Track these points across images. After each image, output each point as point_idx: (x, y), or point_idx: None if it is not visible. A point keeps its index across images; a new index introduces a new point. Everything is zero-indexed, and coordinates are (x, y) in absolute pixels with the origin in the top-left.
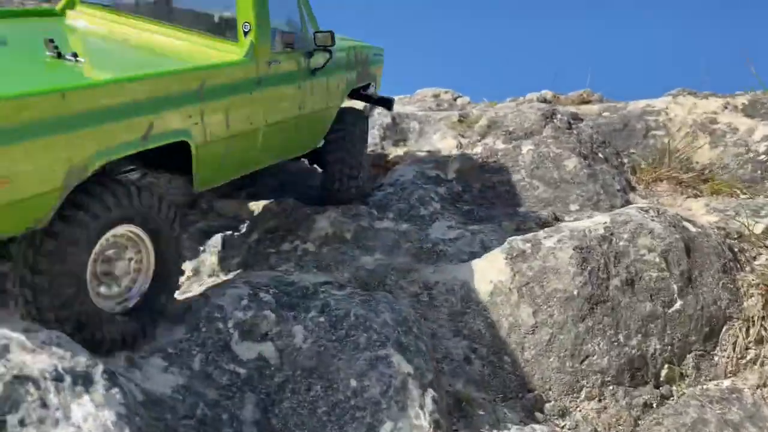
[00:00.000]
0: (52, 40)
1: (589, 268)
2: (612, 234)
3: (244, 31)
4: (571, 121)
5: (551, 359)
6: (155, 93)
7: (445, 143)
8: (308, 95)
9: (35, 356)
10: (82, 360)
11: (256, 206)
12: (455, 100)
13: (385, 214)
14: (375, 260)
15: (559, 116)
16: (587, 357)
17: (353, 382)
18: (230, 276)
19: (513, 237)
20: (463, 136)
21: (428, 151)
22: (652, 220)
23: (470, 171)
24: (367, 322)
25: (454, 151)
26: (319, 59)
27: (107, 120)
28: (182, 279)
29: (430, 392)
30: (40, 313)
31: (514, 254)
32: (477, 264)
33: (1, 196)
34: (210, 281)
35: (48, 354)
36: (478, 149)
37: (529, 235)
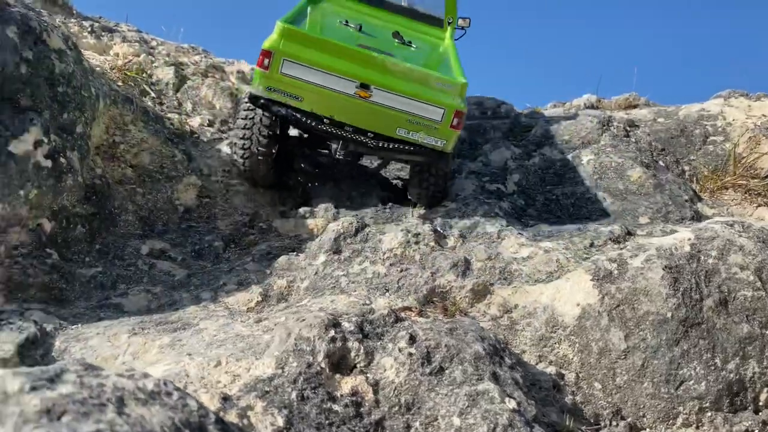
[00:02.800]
0: (397, 33)
1: (681, 289)
2: (699, 251)
3: (448, 22)
4: (628, 129)
5: (645, 385)
6: None
7: (499, 154)
8: None
9: None
10: None
11: (315, 224)
12: (499, 107)
13: (450, 231)
14: (448, 281)
15: (615, 123)
16: (683, 382)
17: (456, 420)
18: (304, 302)
19: (596, 257)
20: (517, 146)
21: (482, 163)
22: (740, 235)
23: (531, 183)
24: (460, 354)
25: (510, 163)
26: None
27: None
28: (251, 303)
29: (537, 428)
30: None
31: (601, 275)
32: (560, 285)
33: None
34: (281, 307)
35: None
36: (536, 160)
37: (614, 254)
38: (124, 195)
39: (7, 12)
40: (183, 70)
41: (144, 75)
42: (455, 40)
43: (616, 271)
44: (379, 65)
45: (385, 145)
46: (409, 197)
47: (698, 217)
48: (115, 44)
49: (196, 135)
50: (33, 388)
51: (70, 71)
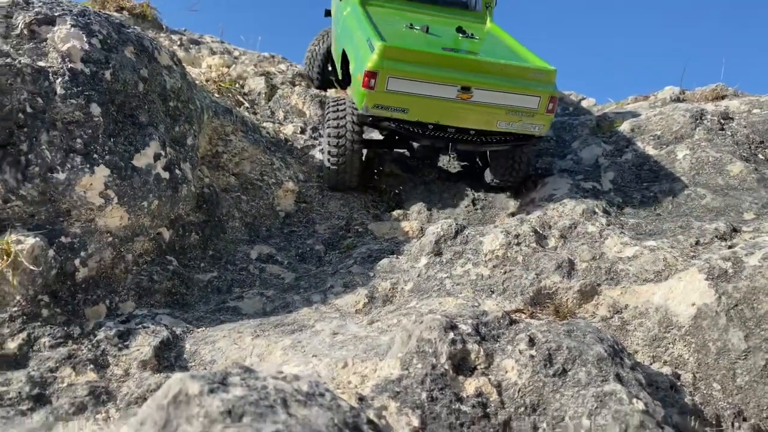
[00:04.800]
0: (460, 28)
1: None
2: None
3: (487, 6)
4: (722, 121)
5: None
6: None
7: (589, 152)
8: None
9: None
10: None
11: (409, 227)
12: (580, 102)
13: (550, 231)
14: (553, 283)
15: (708, 117)
16: None
17: (586, 422)
18: (411, 303)
19: (708, 255)
20: (606, 143)
21: (573, 161)
22: None
23: (627, 181)
24: (582, 356)
25: (602, 160)
26: None
27: None
28: (359, 305)
29: (668, 429)
30: None
31: (716, 274)
32: (672, 285)
33: None
34: (390, 309)
35: None
36: (628, 156)
37: (727, 252)
38: (230, 202)
39: (124, 33)
40: (272, 79)
41: (237, 86)
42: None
43: (731, 270)
44: (474, 66)
45: (487, 139)
46: (488, 180)
47: None
48: (203, 56)
49: (290, 142)
50: (211, 391)
51: (179, 86)
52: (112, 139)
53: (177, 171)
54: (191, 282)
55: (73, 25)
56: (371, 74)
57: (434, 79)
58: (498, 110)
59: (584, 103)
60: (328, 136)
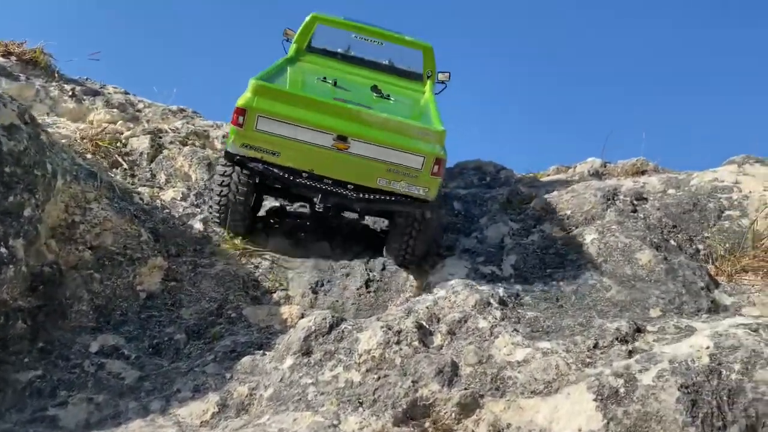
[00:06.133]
0: (376, 87)
1: (700, 414)
2: (720, 364)
3: (427, 75)
4: (635, 202)
5: None
6: None
7: (496, 230)
8: None
9: None
10: None
11: (289, 313)
12: (498, 173)
13: (437, 326)
14: (432, 392)
15: (621, 197)
16: None
17: None
18: (264, 419)
19: (600, 369)
20: (514, 221)
21: (477, 239)
22: (766, 345)
23: (529, 266)
24: None
25: (507, 240)
26: None
27: None
28: (206, 416)
29: None
30: None
31: (606, 394)
32: (559, 403)
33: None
34: (238, 425)
35: None
36: (534, 237)
37: (620, 367)
38: (79, 282)
39: None
40: (161, 138)
41: (118, 144)
42: (436, 94)
43: (623, 390)
44: (355, 117)
45: (367, 197)
46: (384, 255)
47: (716, 307)
48: (97, 108)
49: (167, 210)
50: None
51: (21, 149)
52: None
53: (2, 249)
54: (6, 383)
55: None
56: (240, 111)
57: (307, 124)
58: (377, 165)
59: (502, 174)
60: (215, 183)
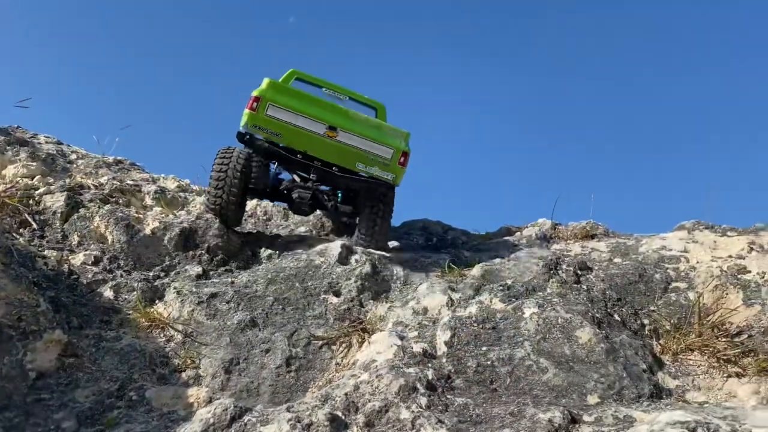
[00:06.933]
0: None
1: None
2: None
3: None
4: (579, 273)
5: None
6: None
7: (433, 299)
8: None
9: None
10: None
11: (196, 396)
12: (446, 233)
13: (354, 417)
14: None
15: (564, 267)
16: None
17: None
18: None
19: None
20: (453, 290)
21: (413, 310)
22: None
23: (464, 343)
24: None
25: (445, 312)
26: None
27: None
28: None
29: None
30: None
31: None
32: None
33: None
34: None
35: None
36: (473, 309)
37: None
38: None
39: None
40: (80, 195)
41: (30, 202)
42: None
43: None
44: (343, 113)
45: (348, 176)
46: (355, 245)
47: (659, 392)
48: (20, 160)
49: (75, 276)
50: None
51: None
52: None
53: None
54: None
55: None
56: (256, 99)
57: (306, 114)
58: (358, 153)
59: (450, 235)
60: (214, 170)
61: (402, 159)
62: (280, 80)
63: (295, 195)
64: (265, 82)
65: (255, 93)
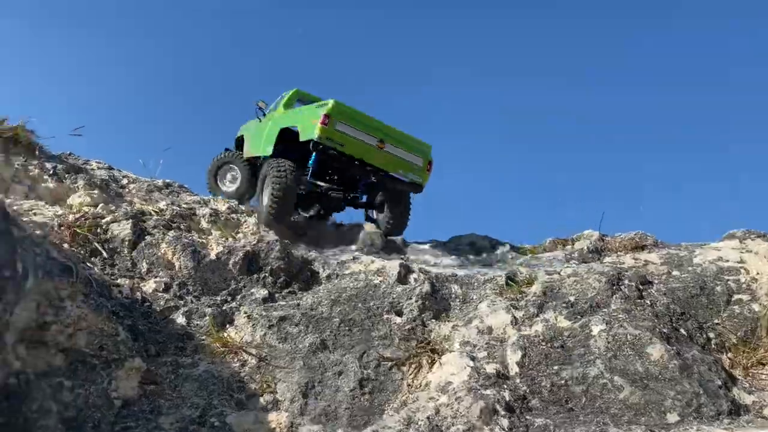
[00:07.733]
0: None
1: None
2: None
3: None
4: (641, 287)
5: None
6: None
7: (496, 318)
8: None
9: None
10: None
11: (277, 422)
12: (494, 248)
13: None
14: None
15: (626, 282)
16: None
17: None
18: None
19: None
20: (516, 308)
21: (478, 330)
22: None
23: (535, 362)
24: None
25: (510, 331)
26: None
27: None
28: None
29: None
30: None
31: None
32: None
33: None
34: None
35: None
36: (538, 327)
37: None
38: (47, 392)
39: None
40: (144, 222)
41: (98, 230)
42: None
43: None
44: (389, 130)
45: (392, 178)
46: (376, 228)
47: (736, 409)
48: (78, 187)
49: (147, 303)
50: None
51: None
52: None
53: None
54: None
55: None
56: (327, 116)
57: (363, 130)
58: (399, 161)
59: (498, 250)
60: (271, 177)
61: (428, 166)
62: (284, 99)
63: (333, 194)
64: (332, 102)
65: (326, 110)
